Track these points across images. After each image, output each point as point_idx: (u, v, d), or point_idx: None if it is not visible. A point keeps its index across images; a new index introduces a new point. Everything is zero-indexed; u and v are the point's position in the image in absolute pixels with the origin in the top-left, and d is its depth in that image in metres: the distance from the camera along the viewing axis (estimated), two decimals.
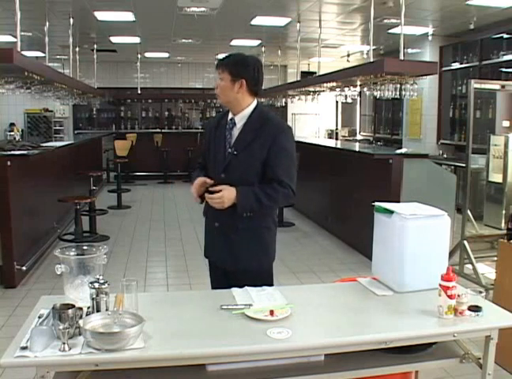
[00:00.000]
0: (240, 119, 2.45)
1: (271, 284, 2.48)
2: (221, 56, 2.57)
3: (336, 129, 14.49)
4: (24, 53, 5.04)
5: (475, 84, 4.73)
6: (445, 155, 8.78)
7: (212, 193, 2.37)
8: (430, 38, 8.76)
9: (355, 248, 5.92)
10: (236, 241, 2.45)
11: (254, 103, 2.48)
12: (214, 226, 2.52)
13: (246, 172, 2.40)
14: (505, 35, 7.52)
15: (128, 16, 7.60)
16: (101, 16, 7.54)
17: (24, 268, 4.67)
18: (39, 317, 1.84)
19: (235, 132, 2.46)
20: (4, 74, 5.33)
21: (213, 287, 2.65)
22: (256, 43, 10.16)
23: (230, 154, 2.42)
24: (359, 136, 13.16)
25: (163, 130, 12.74)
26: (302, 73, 10.61)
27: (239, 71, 2.40)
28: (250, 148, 2.39)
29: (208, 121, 2.81)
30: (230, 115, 2.50)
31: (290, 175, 2.39)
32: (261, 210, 2.39)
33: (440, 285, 1.91)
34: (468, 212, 4.94)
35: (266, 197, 2.34)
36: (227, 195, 2.31)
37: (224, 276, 2.54)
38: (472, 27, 7.52)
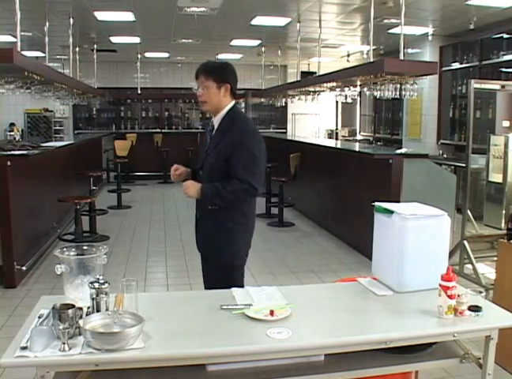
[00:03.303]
0: (217, 121, 2.68)
1: (237, 277, 2.71)
2: (207, 63, 2.77)
3: (336, 129, 14.49)
4: (24, 53, 5.04)
5: (475, 84, 4.73)
6: (445, 155, 8.77)
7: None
8: (430, 38, 8.76)
9: (355, 248, 5.92)
10: (208, 231, 2.71)
11: (230, 105, 2.66)
12: (196, 217, 2.80)
13: (213, 170, 2.62)
14: (505, 35, 7.52)
15: (128, 16, 7.60)
16: (101, 16, 7.54)
17: (24, 268, 4.67)
18: (39, 317, 1.85)
19: (213, 133, 2.69)
20: (4, 74, 5.33)
21: (203, 277, 2.88)
22: (256, 43, 10.16)
23: (205, 153, 2.68)
24: (359, 136, 13.16)
25: (163, 130, 12.74)
26: (302, 73, 10.61)
27: (222, 77, 2.62)
28: (218, 148, 2.60)
29: (207, 124, 3.06)
30: (212, 118, 2.72)
31: (250, 173, 2.53)
32: (223, 203, 2.60)
33: (440, 285, 1.91)
34: (468, 212, 4.93)
35: (226, 191, 2.54)
36: (190, 185, 2.57)
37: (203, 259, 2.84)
38: (472, 27, 7.52)
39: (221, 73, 2.63)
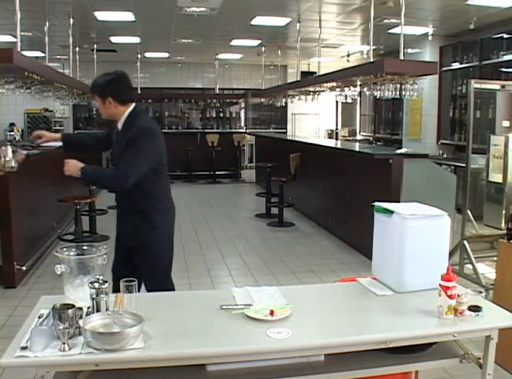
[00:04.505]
0: (120, 125, 2.90)
1: (162, 265, 2.96)
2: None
3: (336, 129, 14.50)
4: (24, 53, 5.04)
5: (475, 84, 4.73)
6: (445, 155, 8.77)
7: None
8: (430, 38, 8.75)
9: (355, 248, 5.92)
10: (129, 220, 2.93)
11: (129, 109, 2.88)
12: (118, 211, 3.04)
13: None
14: (505, 35, 7.51)
15: (128, 16, 7.60)
16: (101, 16, 7.54)
17: (24, 268, 4.67)
18: (39, 317, 1.85)
19: (117, 135, 2.94)
20: (4, 74, 5.33)
21: (114, 267, 3.00)
22: (256, 43, 10.16)
23: (112, 153, 2.96)
24: (359, 136, 13.16)
25: (163, 130, 12.66)
26: (302, 73, 10.62)
27: (103, 92, 2.82)
28: (120, 147, 2.82)
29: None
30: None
31: (129, 164, 2.74)
32: (98, 182, 3.16)
33: (440, 285, 1.91)
34: (468, 211, 4.93)
35: (102, 174, 2.95)
36: (71, 164, 2.77)
37: (127, 256, 2.93)
38: (472, 27, 7.51)
39: (101, 90, 2.83)
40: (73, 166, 2.77)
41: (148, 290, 2.82)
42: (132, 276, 2.69)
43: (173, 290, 3.11)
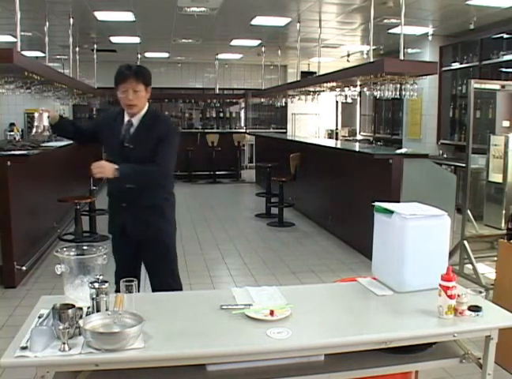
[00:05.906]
0: (137, 119, 2.91)
1: (175, 255, 3.08)
2: (132, 68, 2.86)
3: (336, 129, 14.50)
4: (24, 53, 5.04)
5: (475, 84, 4.73)
6: (445, 155, 8.77)
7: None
8: (430, 38, 8.75)
9: (355, 248, 5.92)
10: (141, 214, 2.94)
11: (147, 103, 2.97)
12: (121, 206, 3.03)
13: (141, 162, 2.83)
14: (505, 35, 7.51)
15: (128, 16, 7.60)
16: (101, 16, 7.54)
17: (24, 268, 4.67)
18: (39, 317, 1.85)
19: (132, 130, 2.90)
20: (4, 74, 5.33)
21: (120, 262, 3.10)
22: (256, 43, 10.16)
23: (127, 148, 2.88)
24: (359, 136, 13.16)
25: None
26: (302, 73, 10.62)
27: (147, 81, 2.89)
28: (145, 143, 2.85)
29: (106, 114, 3.41)
30: (127, 117, 2.92)
31: (166, 159, 2.87)
32: (139, 180, 2.87)
33: (440, 285, 1.91)
34: (468, 211, 4.93)
35: (143, 171, 2.84)
36: (106, 165, 2.78)
37: (134, 247, 3.01)
38: (472, 27, 7.52)
39: (147, 78, 2.89)
40: (108, 168, 2.78)
41: (163, 282, 2.94)
42: (135, 273, 2.72)
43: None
